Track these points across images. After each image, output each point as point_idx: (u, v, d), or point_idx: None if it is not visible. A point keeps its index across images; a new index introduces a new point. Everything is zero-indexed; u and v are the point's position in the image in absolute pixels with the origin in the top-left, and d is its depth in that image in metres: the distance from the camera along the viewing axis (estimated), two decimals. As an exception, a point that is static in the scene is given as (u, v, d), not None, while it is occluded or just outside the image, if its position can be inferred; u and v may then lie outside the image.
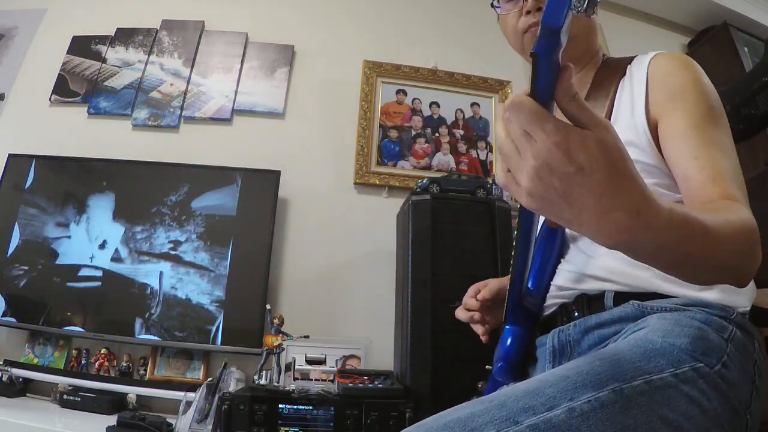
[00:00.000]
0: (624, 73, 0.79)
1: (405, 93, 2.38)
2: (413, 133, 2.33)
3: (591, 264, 0.72)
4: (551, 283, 0.79)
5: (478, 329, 0.87)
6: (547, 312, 0.79)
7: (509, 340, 0.77)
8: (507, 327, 0.79)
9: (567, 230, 0.79)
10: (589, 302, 0.71)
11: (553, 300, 0.78)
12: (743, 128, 1.47)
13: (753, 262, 0.53)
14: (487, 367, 0.83)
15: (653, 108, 0.71)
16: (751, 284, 0.69)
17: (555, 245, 0.78)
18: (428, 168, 2.29)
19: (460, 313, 0.89)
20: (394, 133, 2.31)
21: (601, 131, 0.38)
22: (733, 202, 0.58)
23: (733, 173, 0.62)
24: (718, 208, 0.58)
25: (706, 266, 0.49)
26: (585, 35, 0.84)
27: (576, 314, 0.72)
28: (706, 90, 0.70)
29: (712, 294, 0.63)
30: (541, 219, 0.81)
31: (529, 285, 0.79)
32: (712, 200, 0.59)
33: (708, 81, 0.71)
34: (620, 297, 0.68)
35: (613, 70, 0.81)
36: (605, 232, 0.40)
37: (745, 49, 2.45)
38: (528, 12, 0.81)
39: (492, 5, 0.86)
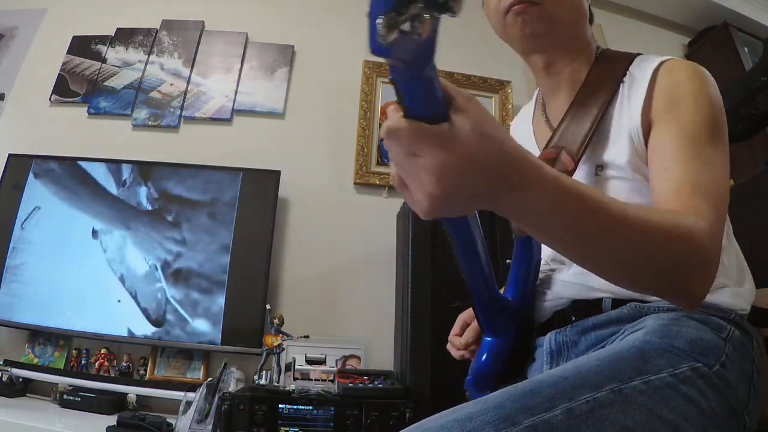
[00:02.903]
0: (625, 75, 0.72)
1: (405, 93, 2.37)
2: (413, 133, 2.32)
3: (592, 277, 0.69)
4: (546, 290, 0.77)
5: None
6: (543, 319, 0.78)
7: (484, 355, 0.75)
8: (485, 338, 0.77)
9: None
10: (587, 307, 0.70)
11: (549, 305, 0.76)
12: (743, 128, 1.47)
13: (690, 274, 0.50)
14: None
15: (652, 116, 0.66)
16: (750, 286, 0.68)
17: (532, 253, 0.77)
18: (428, 168, 2.29)
19: (451, 351, 0.88)
20: (394, 133, 2.31)
21: (473, 118, 0.39)
22: (686, 213, 0.53)
23: (706, 189, 0.57)
24: (655, 210, 0.55)
25: (614, 257, 0.48)
26: (572, 20, 0.76)
27: (573, 318, 0.71)
28: (708, 103, 0.64)
29: (710, 296, 0.62)
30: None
31: (508, 295, 0.77)
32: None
33: (714, 93, 0.66)
34: (617, 302, 0.67)
35: (612, 69, 0.74)
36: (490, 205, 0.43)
37: (745, 49, 2.44)
38: None
39: None
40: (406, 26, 0.30)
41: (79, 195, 1.98)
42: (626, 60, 0.74)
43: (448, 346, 0.89)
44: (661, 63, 0.69)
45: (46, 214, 1.96)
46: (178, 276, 1.88)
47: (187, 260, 1.89)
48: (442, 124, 0.38)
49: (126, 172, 2.00)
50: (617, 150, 0.69)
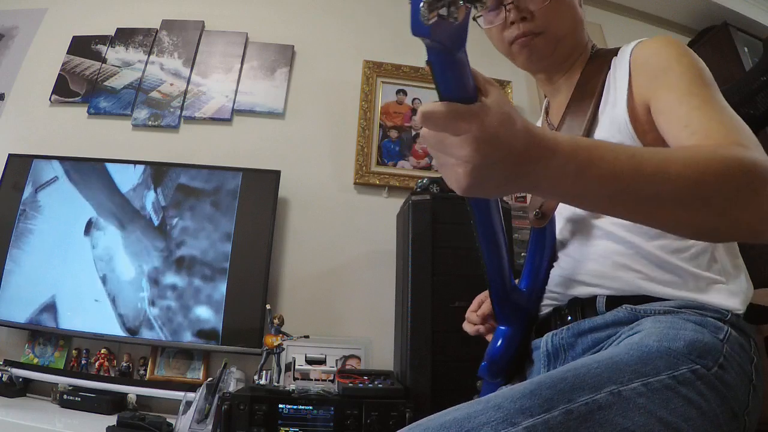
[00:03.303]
0: (609, 67, 0.76)
1: (405, 93, 2.38)
2: (413, 133, 2.33)
3: (579, 269, 0.72)
4: (545, 286, 0.78)
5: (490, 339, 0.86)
6: (542, 313, 0.79)
7: (499, 341, 0.77)
8: (498, 327, 0.79)
9: (557, 235, 0.79)
10: (582, 307, 0.71)
11: (547, 302, 0.78)
12: (743, 128, 1.47)
13: (740, 199, 0.47)
14: None
15: (638, 94, 0.68)
16: (746, 283, 0.68)
17: (545, 245, 0.78)
18: (428, 168, 2.29)
19: (466, 327, 0.90)
20: (394, 133, 2.31)
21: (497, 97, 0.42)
22: (723, 144, 0.52)
23: (730, 124, 0.56)
24: (692, 146, 0.55)
25: (665, 198, 0.46)
26: (571, 33, 0.79)
27: (569, 318, 0.72)
28: (690, 61, 0.66)
29: (705, 296, 0.63)
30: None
31: (522, 286, 0.79)
32: None
33: (693, 55, 0.67)
34: (612, 301, 0.67)
35: (599, 65, 0.78)
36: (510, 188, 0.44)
37: (745, 49, 2.44)
38: (512, 23, 0.77)
39: (473, 19, 0.81)
40: (443, 11, 0.35)
41: (89, 183, 1.99)
42: (611, 53, 0.78)
43: (465, 324, 0.90)
44: (635, 45, 0.73)
45: (60, 188, 1.98)
46: (177, 275, 1.88)
47: (187, 260, 1.89)
48: (474, 103, 0.41)
49: (138, 172, 2.01)
50: (604, 131, 0.72)
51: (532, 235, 0.79)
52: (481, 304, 0.90)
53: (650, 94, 0.66)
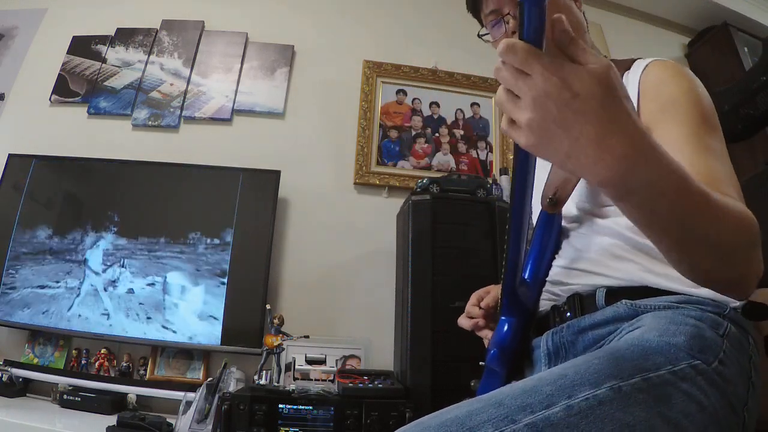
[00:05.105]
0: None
1: (405, 93, 2.38)
2: (413, 133, 2.33)
3: (580, 258, 0.73)
4: (545, 279, 0.79)
5: (485, 334, 0.87)
6: (540, 310, 0.79)
7: (505, 327, 0.77)
8: (502, 318, 0.79)
9: (563, 224, 0.79)
10: (581, 302, 0.71)
11: (546, 298, 0.78)
12: (743, 128, 1.47)
13: (752, 256, 0.51)
14: (480, 363, 0.83)
15: (644, 118, 0.69)
16: None
17: (552, 233, 0.78)
18: (428, 168, 2.29)
19: (463, 321, 0.89)
20: (394, 133, 2.31)
21: (600, 66, 0.40)
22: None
23: (729, 179, 0.60)
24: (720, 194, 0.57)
25: (705, 239, 0.48)
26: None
27: (568, 314, 0.72)
28: (699, 99, 0.68)
29: (704, 290, 0.63)
30: (536, 211, 0.81)
31: (525, 275, 0.79)
32: None
33: (702, 89, 0.70)
34: (611, 294, 0.68)
35: None
36: (603, 161, 0.41)
37: (745, 49, 2.45)
38: (513, 33, 0.77)
39: (479, 36, 0.84)
40: None
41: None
42: (623, 67, 0.78)
43: (461, 319, 0.90)
44: (646, 65, 0.74)
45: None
46: (177, 276, 1.88)
47: (187, 260, 1.89)
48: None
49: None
50: None
51: (540, 220, 0.80)
52: (480, 300, 0.90)
53: (655, 123, 0.67)
